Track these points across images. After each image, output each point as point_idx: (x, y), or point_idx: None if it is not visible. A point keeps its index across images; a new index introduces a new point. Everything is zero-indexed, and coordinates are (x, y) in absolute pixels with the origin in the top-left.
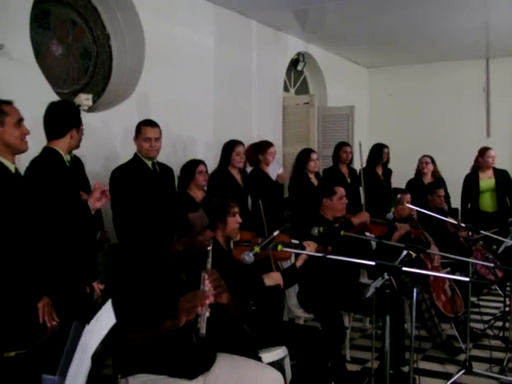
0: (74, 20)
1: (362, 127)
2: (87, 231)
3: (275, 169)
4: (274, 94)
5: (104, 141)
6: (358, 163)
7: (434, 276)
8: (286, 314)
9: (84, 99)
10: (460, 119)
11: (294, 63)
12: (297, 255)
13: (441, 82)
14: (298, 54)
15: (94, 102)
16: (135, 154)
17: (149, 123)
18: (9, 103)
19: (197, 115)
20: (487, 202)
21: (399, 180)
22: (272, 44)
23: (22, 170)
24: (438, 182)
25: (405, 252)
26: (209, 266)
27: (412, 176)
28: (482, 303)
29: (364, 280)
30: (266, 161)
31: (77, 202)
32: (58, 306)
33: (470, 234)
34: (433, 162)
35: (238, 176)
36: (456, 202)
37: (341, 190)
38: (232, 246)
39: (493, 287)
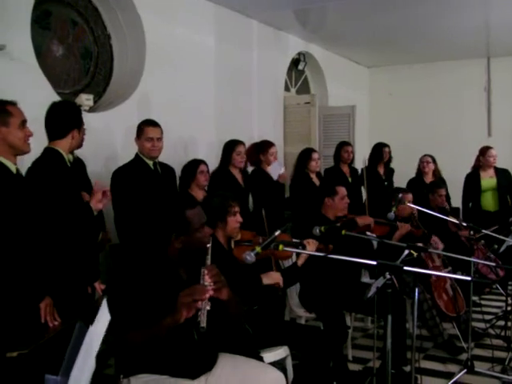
0: (75, 20)
1: (362, 127)
2: (89, 232)
3: (276, 169)
4: (275, 94)
5: (105, 141)
6: (359, 164)
7: (436, 275)
8: (287, 314)
9: (85, 99)
10: (461, 118)
11: (295, 63)
12: (298, 255)
13: (442, 82)
14: (299, 53)
15: (94, 102)
16: (136, 155)
17: (151, 123)
18: (13, 104)
19: (198, 115)
20: (489, 202)
21: (400, 179)
22: (273, 44)
23: (24, 171)
24: (439, 181)
25: (406, 251)
26: (208, 262)
27: (413, 175)
28: (483, 302)
29: (365, 279)
30: (267, 161)
31: (78, 203)
32: (59, 307)
33: (472, 233)
34: (434, 161)
35: (238, 176)
36: (457, 201)
37: (342, 190)
38: (233, 245)
39: (494, 286)
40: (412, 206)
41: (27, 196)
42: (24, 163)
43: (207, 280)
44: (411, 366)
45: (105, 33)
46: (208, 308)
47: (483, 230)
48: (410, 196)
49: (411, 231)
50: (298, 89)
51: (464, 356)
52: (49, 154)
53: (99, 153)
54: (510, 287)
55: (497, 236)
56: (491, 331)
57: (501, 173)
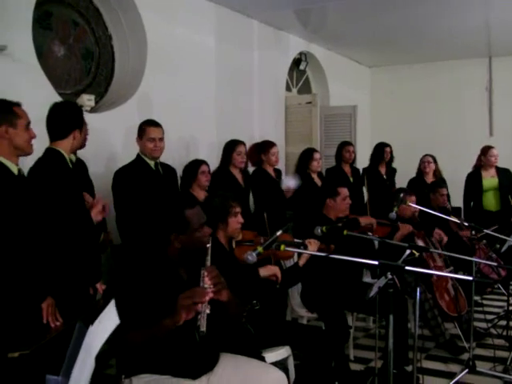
0: (76, 21)
1: (364, 126)
2: (90, 234)
3: (290, 182)
4: (276, 94)
5: (106, 141)
6: (361, 164)
7: (437, 275)
8: (289, 314)
9: (86, 100)
10: (462, 118)
11: (297, 63)
12: (300, 255)
13: (443, 81)
14: (300, 53)
15: (96, 102)
16: (138, 155)
17: (152, 123)
18: (19, 105)
19: (199, 115)
20: (490, 201)
21: (401, 179)
22: (274, 44)
23: (25, 171)
24: (440, 181)
25: (408, 251)
26: (208, 263)
27: (414, 175)
28: (485, 302)
29: (367, 279)
30: (268, 161)
31: (79, 203)
32: (61, 307)
33: (473, 232)
34: (434, 161)
35: (238, 176)
36: (458, 200)
37: (344, 191)
38: (234, 245)
39: (496, 286)
40: (413, 205)
41: (29, 197)
42: (25, 163)
43: (207, 282)
44: (413, 365)
45: (106, 33)
46: (208, 311)
47: (485, 230)
48: (413, 198)
49: (413, 232)
50: (299, 89)
51: (466, 356)
52: (50, 154)
53: (100, 153)
54: (511, 287)
55: (498, 236)
56: (493, 331)
57: (502, 172)
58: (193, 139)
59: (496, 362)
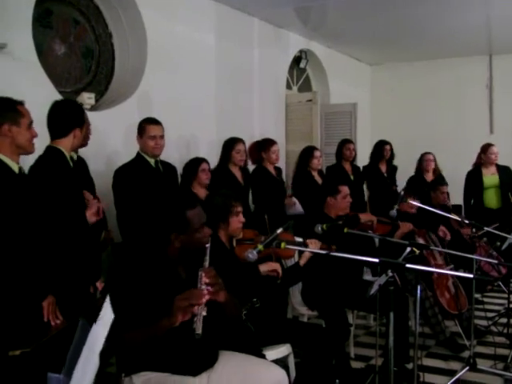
0: (77, 19)
1: (364, 124)
2: (84, 234)
3: (297, 208)
4: (277, 92)
5: (107, 139)
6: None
7: (438, 273)
8: (289, 312)
9: (86, 98)
10: (463, 116)
11: (297, 61)
12: (300, 254)
13: (444, 79)
14: (301, 51)
15: (96, 100)
16: (138, 153)
17: (152, 121)
18: (22, 104)
19: (199, 113)
20: (491, 199)
21: (401, 177)
22: (274, 41)
23: (26, 169)
24: (440, 178)
25: (408, 249)
26: (206, 263)
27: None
28: (485, 300)
29: (368, 277)
30: (269, 159)
31: (79, 201)
32: (62, 305)
33: (474, 230)
34: (434, 159)
35: (238, 174)
36: (458, 198)
37: (345, 189)
38: (234, 244)
39: (497, 284)
40: (414, 203)
41: (29, 195)
42: (26, 161)
43: (204, 283)
44: (413, 363)
45: (106, 31)
46: (204, 314)
47: (485, 228)
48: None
49: (413, 230)
50: (299, 86)
51: (466, 353)
52: (51, 152)
53: (101, 151)
54: None
55: (499, 233)
56: (493, 329)
57: (502, 170)
58: (193, 137)
59: (497, 359)
